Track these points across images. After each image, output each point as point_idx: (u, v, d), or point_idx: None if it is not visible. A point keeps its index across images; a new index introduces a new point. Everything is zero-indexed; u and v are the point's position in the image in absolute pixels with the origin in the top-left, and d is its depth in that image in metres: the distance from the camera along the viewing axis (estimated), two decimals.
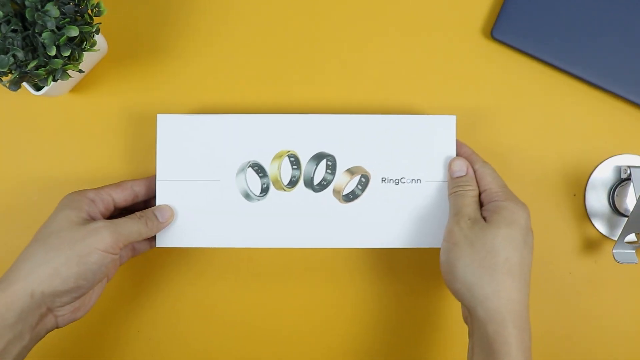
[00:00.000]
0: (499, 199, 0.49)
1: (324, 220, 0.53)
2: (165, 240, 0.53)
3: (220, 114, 0.53)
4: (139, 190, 0.53)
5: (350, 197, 0.53)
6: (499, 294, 0.45)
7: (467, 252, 0.47)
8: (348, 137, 0.53)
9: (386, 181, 0.53)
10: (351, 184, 0.53)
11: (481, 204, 0.50)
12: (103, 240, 0.47)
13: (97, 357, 0.58)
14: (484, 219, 0.48)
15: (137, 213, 0.51)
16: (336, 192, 0.53)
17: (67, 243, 0.46)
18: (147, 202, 0.54)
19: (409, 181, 0.53)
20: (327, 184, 0.53)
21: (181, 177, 0.53)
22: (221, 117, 0.53)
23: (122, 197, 0.52)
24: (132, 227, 0.49)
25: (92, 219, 0.49)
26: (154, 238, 0.53)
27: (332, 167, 0.53)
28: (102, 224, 0.47)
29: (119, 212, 0.53)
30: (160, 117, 0.53)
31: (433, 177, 0.53)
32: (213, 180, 0.53)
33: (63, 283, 0.45)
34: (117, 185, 0.52)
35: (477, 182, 0.51)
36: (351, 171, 0.53)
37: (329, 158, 0.53)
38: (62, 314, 0.48)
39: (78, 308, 0.49)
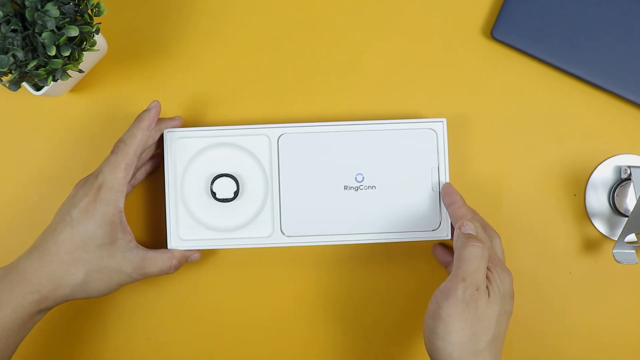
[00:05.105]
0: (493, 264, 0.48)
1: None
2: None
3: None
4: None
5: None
6: None
7: (460, 325, 0.45)
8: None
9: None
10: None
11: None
12: (126, 280, 0.52)
13: (97, 357, 0.58)
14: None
15: (171, 257, 0.53)
16: None
17: (97, 261, 0.50)
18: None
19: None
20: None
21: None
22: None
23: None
24: (158, 267, 0.53)
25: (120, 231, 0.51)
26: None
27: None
28: (131, 269, 0.51)
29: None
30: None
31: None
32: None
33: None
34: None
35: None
36: None
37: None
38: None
39: None
